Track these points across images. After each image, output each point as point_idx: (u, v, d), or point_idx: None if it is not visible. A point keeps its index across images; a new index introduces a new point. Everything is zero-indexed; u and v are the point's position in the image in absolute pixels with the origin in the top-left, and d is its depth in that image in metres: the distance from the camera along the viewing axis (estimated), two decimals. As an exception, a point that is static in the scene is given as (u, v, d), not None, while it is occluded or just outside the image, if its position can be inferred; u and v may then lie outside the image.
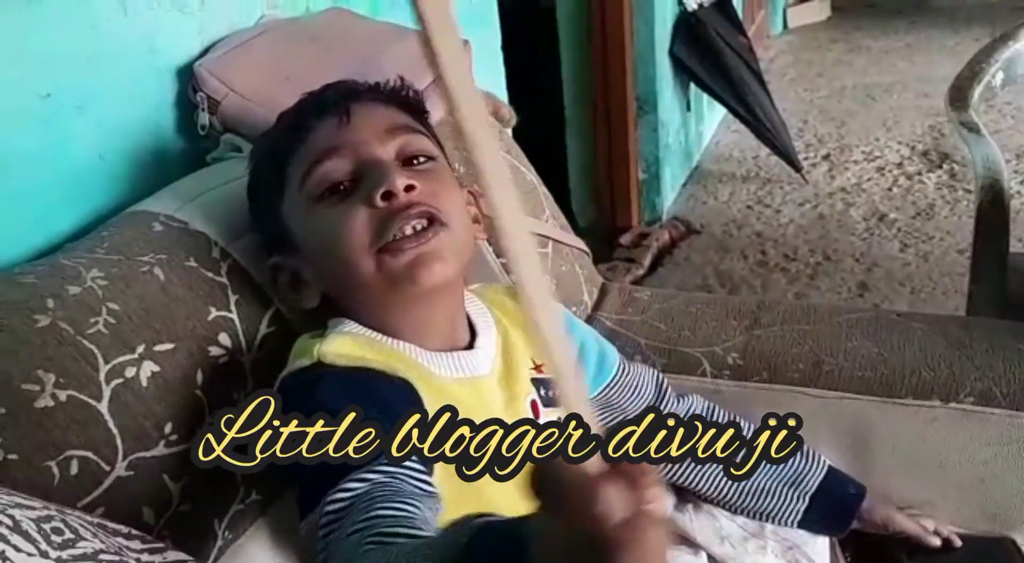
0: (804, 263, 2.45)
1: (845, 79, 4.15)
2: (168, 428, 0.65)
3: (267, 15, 1.04)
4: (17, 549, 0.42)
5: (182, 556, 0.52)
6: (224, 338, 0.72)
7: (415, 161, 0.69)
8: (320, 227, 0.67)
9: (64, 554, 0.43)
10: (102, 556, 0.45)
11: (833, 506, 0.84)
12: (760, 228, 2.69)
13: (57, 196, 0.80)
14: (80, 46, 0.81)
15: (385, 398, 0.60)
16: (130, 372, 0.63)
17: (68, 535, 0.45)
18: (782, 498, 0.83)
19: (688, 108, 3.01)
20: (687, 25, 2.74)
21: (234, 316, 0.73)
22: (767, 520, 0.84)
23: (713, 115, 3.46)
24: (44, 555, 0.42)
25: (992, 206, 1.41)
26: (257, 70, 0.92)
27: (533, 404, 0.73)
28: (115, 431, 0.61)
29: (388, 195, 0.64)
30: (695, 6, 2.84)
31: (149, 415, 0.64)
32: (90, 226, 0.79)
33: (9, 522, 0.43)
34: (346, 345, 0.65)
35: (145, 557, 0.49)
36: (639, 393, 0.86)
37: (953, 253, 2.40)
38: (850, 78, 4.16)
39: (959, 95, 1.48)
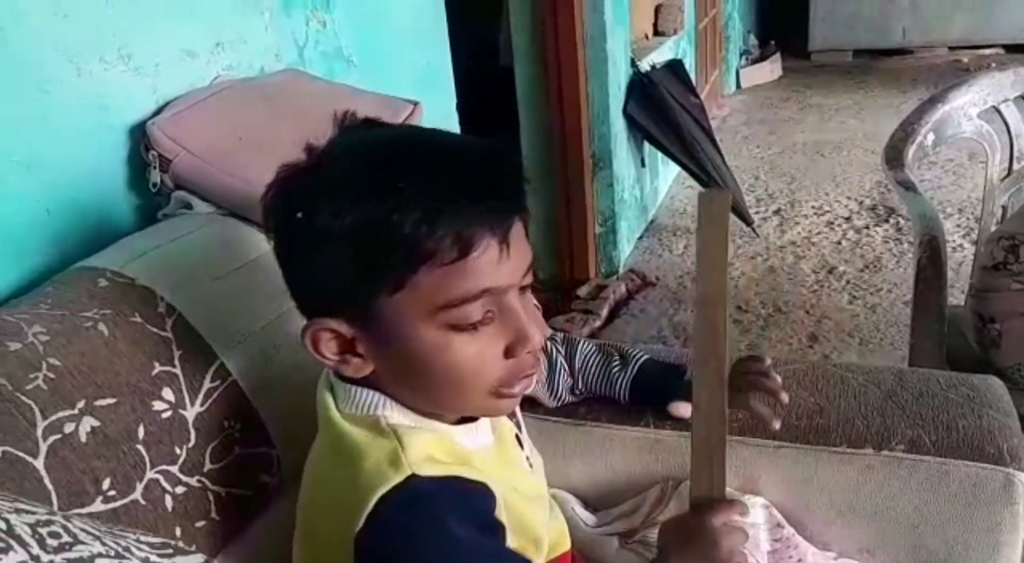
0: (756, 315, 2.51)
1: (795, 136, 4.29)
2: (107, 484, 0.65)
3: (222, 75, 1.06)
4: (6, 551, 0.41)
5: (195, 560, 0.51)
6: (167, 393, 0.73)
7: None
8: (446, 355, 0.61)
9: (57, 557, 0.43)
10: (99, 560, 0.44)
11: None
12: (714, 281, 2.74)
13: (1, 252, 0.80)
14: (30, 105, 0.82)
15: (482, 509, 0.63)
16: (69, 427, 0.64)
17: (65, 539, 0.44)
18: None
19: (643, 164, 3.09)
20: (640, 86, 2.83)
21: (178, 371, 0.74)
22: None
23: (668, 171, 3.55)
24: (35, 559, 0.42)
25: (930, 261, 1.46)
26: (210, 129, 0.94)
27: (516, 437, 0.78)
28: (51, 487, 0.61)
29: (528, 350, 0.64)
30: (648, 68, 2.93)
31: (87, 471, 0.64)
32: (36, 282, 0.80)
33: (3, 525, 0.43)
34: (424, 448, 0.63)
35: (153, 558, 0.48)
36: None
37: (900, 304, 2.47)
38: (800, 135, 4.30)
39: (894, 155, 1.55)
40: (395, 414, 0.65)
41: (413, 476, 0.60)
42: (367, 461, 0.61)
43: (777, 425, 0.86)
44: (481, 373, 0.63)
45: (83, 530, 0.46)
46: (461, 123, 1.71)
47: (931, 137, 1.55)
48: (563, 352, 0.95)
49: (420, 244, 0.57)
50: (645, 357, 0.95)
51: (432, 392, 0.65)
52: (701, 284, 0.77)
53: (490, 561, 0.62)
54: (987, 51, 5.71)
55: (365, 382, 0.65)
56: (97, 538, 0.46)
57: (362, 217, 0.57)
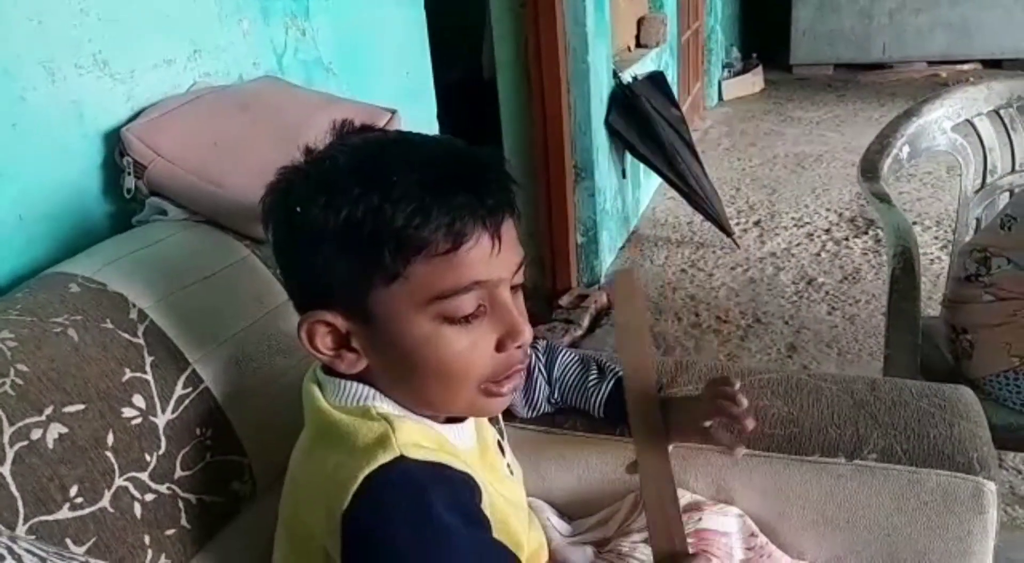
0: (736, 325, 2.52)
1: (776, 148, 4.33)
2: (74, 491, 0.64)
3: (199, 82, 1.06)
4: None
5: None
6: (138, 399, 0.72)
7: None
8: (438, 346, 0.63)
9: None
10: None
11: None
12: (694, 291, 2.76)
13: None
14: (3, 111, 0.82)
15: (466, 498, 0.63)
16: (36, 434, 0.63)
17: (9, 561, 0.44)
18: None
19: (624, 175, 3.10)
20: (622, 97, 2.85)
21: (149, 377, 0.74)
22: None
23: (649, 182, 3.56)
24: None
25: (904, 273, 1.48)
26: (185, 136, 0.94)
27: (499, 444, 0.78)
28: (17, 495, 0.60)
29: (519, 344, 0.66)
30: (630, 79, 2.95)
31: (54, 477, 0.63)
32: (7, 288, 0.79)
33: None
34: (413, 434, 0.64)
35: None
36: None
37: (878, 316, 2.49)
38: (781, 148, 4.34)
39: (869, 167, 1.57)
40: (385, 405, 0.66)
41: (402, 457, 0.60)
42: (357, 442, 0.62)
43: (740, 453, 0.84)
44: (472, 366, 0.64)
45: (28, 551, 0.46)
46: (444, 135, 1.71)
47: (906, 150, 1.57)
48: (543, 360, 0.95)
49: (413, 236, 0.59)
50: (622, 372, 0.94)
51: (424, 388, 0.65)
52: (627, 357, 0.81)
53: (475, 550, 0.61)
54: (965, 66, 5.79)
55: (356, 377, 0.66)
56: (42, 560, 0.45)
57: (356, 209, 0.59)
